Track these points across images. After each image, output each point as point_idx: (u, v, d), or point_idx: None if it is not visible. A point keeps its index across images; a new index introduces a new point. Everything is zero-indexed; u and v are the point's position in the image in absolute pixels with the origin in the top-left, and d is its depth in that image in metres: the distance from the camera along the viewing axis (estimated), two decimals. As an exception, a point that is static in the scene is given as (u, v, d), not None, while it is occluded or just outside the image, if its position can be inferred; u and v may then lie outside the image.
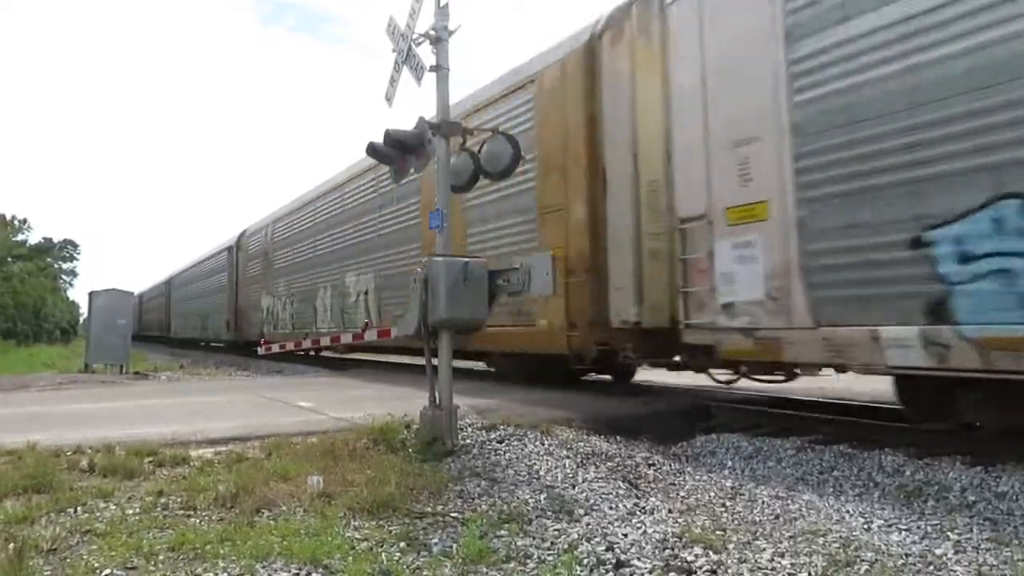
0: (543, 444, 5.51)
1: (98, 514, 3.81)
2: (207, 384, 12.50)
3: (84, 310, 31.30)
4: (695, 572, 3.14)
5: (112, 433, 5.47)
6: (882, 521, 3.91)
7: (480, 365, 12.33)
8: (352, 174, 14.14)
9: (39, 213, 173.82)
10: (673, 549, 3.39)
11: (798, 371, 6.13)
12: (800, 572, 3.14)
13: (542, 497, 4.23)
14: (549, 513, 3.95)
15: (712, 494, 4.54)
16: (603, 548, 3.39)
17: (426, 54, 5.82)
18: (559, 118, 8.15)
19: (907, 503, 4.29)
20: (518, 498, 4.21)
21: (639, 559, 3.27)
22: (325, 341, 13.65)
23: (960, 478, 4.53)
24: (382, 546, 3.39)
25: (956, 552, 3.41)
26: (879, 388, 6.98)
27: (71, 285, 70.45)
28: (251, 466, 4.71)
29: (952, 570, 3.20)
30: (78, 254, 70.28)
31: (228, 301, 20.95)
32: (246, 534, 3.46)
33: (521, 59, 9.47)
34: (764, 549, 3.41)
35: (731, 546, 3.44)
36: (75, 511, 3.85)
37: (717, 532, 3.66)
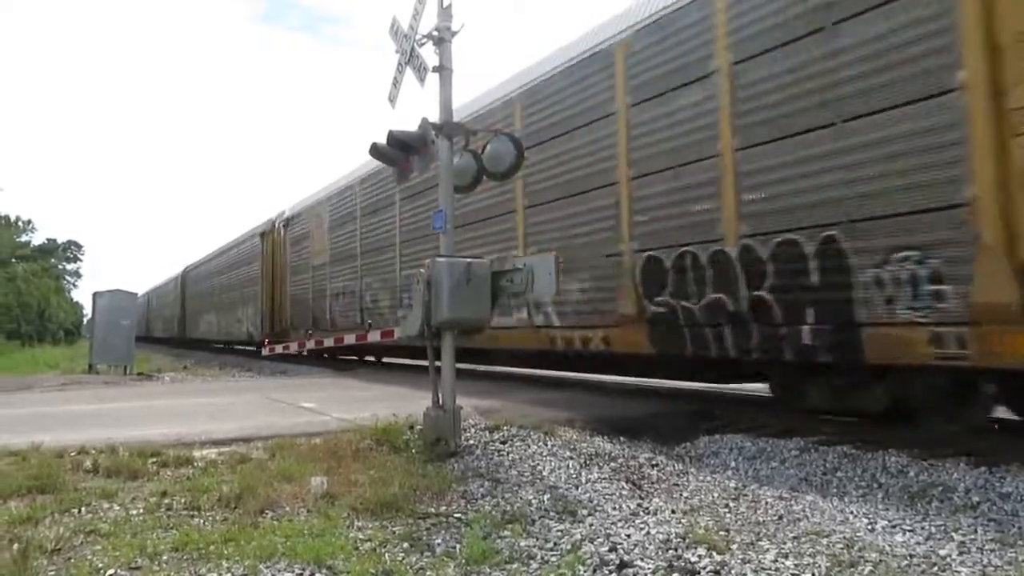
0: (546, 445, 5.51)
1: (102, 515, 3.82)
2: (210, 385, 12.52)
3: (88, 311, 33.81)
4: (699, 573, 3.14)
5: (116, 434, 5.49)
6: (886, 522, 3.90)
7: (482, 367, 12.28)
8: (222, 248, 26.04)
9: (43, 214, 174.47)
10: (677, 550, 3.39)
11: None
12: (804, 573, 3.14)
13: (545, 498, 4.23)
14: (552, 514, 3.95)
15: (715, 495, 4.53)
16: (606, 549, 3.39)
17: (429, 55, 5.83)
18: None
19: (911, 504, 4.28)
20: (521, 499, 4.21)
21: (642, 560, 3.26)
22: (329, 342, 13.78)
23: (964, 479, 4.51)
24: (385, 547, 3.39)
25: (960, 553, 3.40)
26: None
27: (75, 286, 70.64)
28: (255, 467, 4.72)
29: (956, 571, 3.19)
30: (82, 255, 70.50)
31: (179, 311, 32.29)
32: (250, 534, 3.47)
33: (252, 224, 21.34)
34: (768, 550, 3.40)
35: (735, 547, 3.43)
36: (79, 512, 3.86)
37: (721, 533, 3.65)
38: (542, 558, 3.28)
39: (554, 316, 8.35)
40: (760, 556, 3.32)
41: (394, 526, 3.69)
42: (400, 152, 5.96)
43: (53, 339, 56.00)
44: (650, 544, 3.47)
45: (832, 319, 5.41)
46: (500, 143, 6.00)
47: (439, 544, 3.44)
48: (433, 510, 3.96)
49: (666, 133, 6.90)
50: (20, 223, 59.73)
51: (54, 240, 66.46)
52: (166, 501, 4.04)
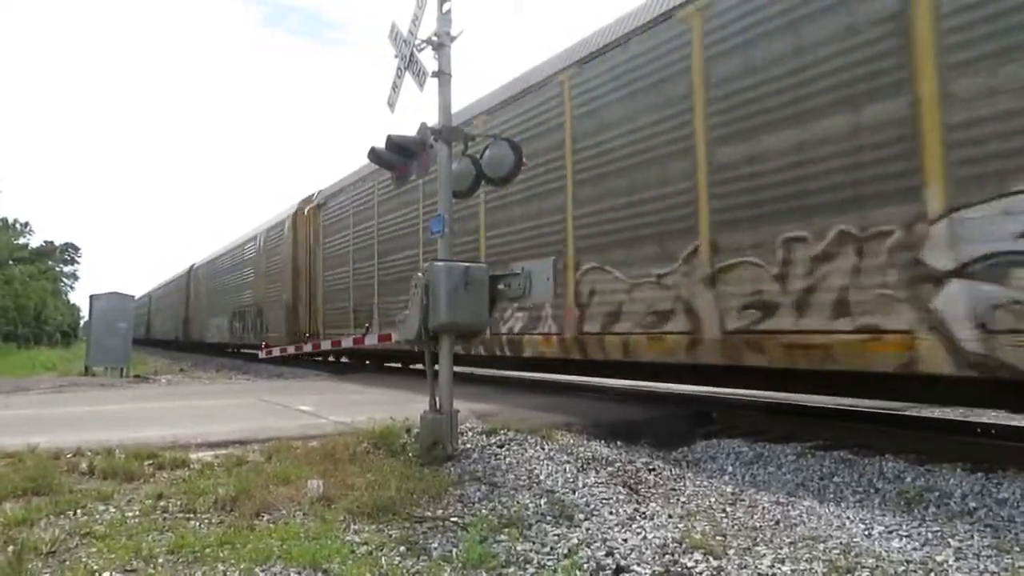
0: (543, 449, 5.51)
1: (97, 516, 3.81)
2: (207, 387, 12.49)
3: (85, 313, 33.68)
4: (695, 578, 3.13)
5: (112, 436, 5.47)
6: (883, 527, 3.90)
7: (481, 370, 12.27)
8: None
9: (41, 216, 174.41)
10: (673, 555, 3.39)
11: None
12: (800, 578, 3.13)
13: (542, 502, 4.23)
14: (549, 518, 3.95)
15: (712, 499, 4.53)
16: (603, 553, 3.38)
17: (429, 60, 5.85)
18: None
19: (908, 509, 4.28)
20: (518, 503, 4.20)
21: (639, 564, 3.26)
22: (326, 344, 13.77)
23: (961, 484, 4.52)
24: (382, 550, 3.38)
25: (957, 559, 3.40)
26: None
27: (72, 288, 70.66)
28: (251, 469, 4.71)
29: (953, 577, 3.19)
30: (79, 257, 70.65)
31: (146, 319, 35.86)
32: (246, 537, 3.46)
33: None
34: (764, 555, 3.40)
35: (731, 552, 3.43)
36: (74, 513, 3.84)
37: (717, 538, 3.65)
38: (539, 562, 3.28)
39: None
40: (757, 561, 3.31)
41: (391, 530, 3.68)
42: (399, 156, 5.97)
43: (50, 341, 55.94)
44: (647, 549, 3.47)
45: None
46: (499, 148, 6.01)
47: (436, 548, 3.43)
48: (430, 514, 3.95)
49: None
50: (17, 225, 59.78)
51: (51, 242, 66.61)
52: (162, 503, 4.03)
